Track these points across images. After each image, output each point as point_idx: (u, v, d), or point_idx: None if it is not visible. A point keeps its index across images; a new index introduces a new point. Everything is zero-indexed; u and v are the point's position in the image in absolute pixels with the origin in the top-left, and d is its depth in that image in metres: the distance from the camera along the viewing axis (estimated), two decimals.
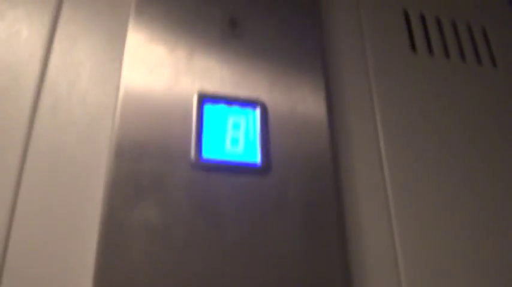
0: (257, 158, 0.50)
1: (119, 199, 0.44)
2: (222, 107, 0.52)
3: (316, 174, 0.51)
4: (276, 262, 0.46)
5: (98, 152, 0.48)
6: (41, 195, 0.45)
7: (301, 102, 0.55)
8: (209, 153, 0.49)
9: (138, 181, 0.45)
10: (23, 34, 0.51)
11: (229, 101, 0.52)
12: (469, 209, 0.58)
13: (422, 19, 0.70)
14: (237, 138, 0.51)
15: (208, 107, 0.51)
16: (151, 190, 0.45)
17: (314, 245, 0.48)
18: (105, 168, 0.46)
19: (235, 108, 0.52)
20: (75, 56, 0.52)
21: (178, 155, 0.48)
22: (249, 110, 0.53)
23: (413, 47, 0.68)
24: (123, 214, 0.44)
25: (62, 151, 0.47)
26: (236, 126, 0.51)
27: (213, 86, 0.52)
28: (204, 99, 0.51)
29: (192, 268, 0.44)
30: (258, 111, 0.53)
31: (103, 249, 0.42)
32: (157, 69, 0.51)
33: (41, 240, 0.43)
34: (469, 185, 0.59)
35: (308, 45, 0.59)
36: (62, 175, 0.46)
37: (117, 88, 0.50)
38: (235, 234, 0.46)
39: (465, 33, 0.71)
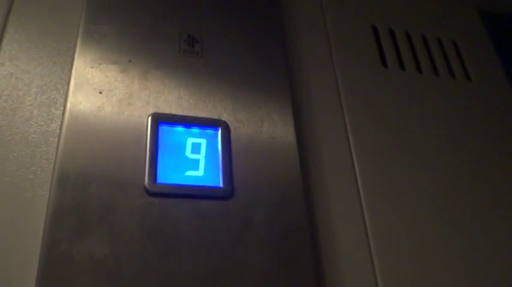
0: (219, 181, 0.46)
1: (61, 231, 0.39)
2: (179, 128, 0.48)
3: (285, 196, 0.47)
4: None
5: (40, 181, 0.43)
6: None
7: (267, 121, 0.51)
8: (165, 177, 0.44)
9: (84, 210, 0.41)
10: None
11: (187, 122, 0.48)
12: (445, 226, 0.54)
13: (392, 34, 0.68)
14: (197, 161, 0.47)
15: (164, 129, 0.47)
16: (99, 220, 0.41)
17: (286, 275, 0.43)
18: (47, 197, 0.41)
19: (195, 129, 0.48)
20: (19, 79, 0.48)
21: (130, 182, 0.43)
22: (209, 131, 0.49)
23: (384, 62, 0.65)
24: (66, 247, 0.39)
25: (0, 180, 0.42)
26: (196, 148, 0.47)
27: (169, 107, 0.49)
28: (159, 121, 0.47)
29: None
30: (219, 131, 0.49)
31: (43, 286, 0.37)
32: (108, 90, 0.47)
33: None
34: (447, 197, 0.56)
35: (273, 62, 0.56)
36: (0, 205, 0.41)
37: (63, 112, 0.46)
38: (196, 266, 0.41)
39: (436, 47, 0.69)
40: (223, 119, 0.50)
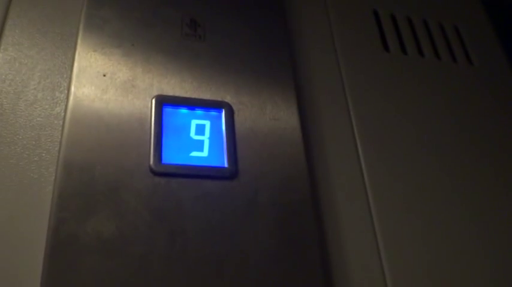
0: (224, 162, 0.46)
1: (68, 211, 0.40)
2: (183, 110, 0.48)
3: (289, 177, 0.47)
4: (248, 274, 0.41)
5: (45, 163, 0.43)
6: None
7: (271, 103, 0.51)
8: (170, 158, 0.45)
9: (90, 191, 0.41)
10: None
11: (191, 103, 0.48)
12: (453, 211, 0.54)
13: (393, 19, 0.68)
14: (201, 142, 0.47)
15: (168, 111, 0.47)
16: (105, 200, 0.41)
17: (290, 254, 0.44)
18: (54, 179, 0.41)
19: (198, 111, 0.49)
20: (22, 64, 0.48)
21: (135, 162, 0.43)
22: (213, 112, 0.49)
23: (386, 47, 0.65)
24: (73, 227, 0.39)
25: (6, 162, 0.42)
26: (200, 129, 0.48)
27: (173, 90, 0.49)
28: (163, 103, 0.47)
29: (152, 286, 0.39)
30: (223, 113, 0.49)
31: (50, 266, 0.37)
32: (112, 73, 0.48)
33: None
34: (451, 184, 0.55)
35: (275, 46, 0.56)
36: (6, 187, 0.41)
37: (68, 95, 0.46)
38: (201, 245, 0.41)
39: (437, 32, 0.69)
40: (226, 101, 0.50)
